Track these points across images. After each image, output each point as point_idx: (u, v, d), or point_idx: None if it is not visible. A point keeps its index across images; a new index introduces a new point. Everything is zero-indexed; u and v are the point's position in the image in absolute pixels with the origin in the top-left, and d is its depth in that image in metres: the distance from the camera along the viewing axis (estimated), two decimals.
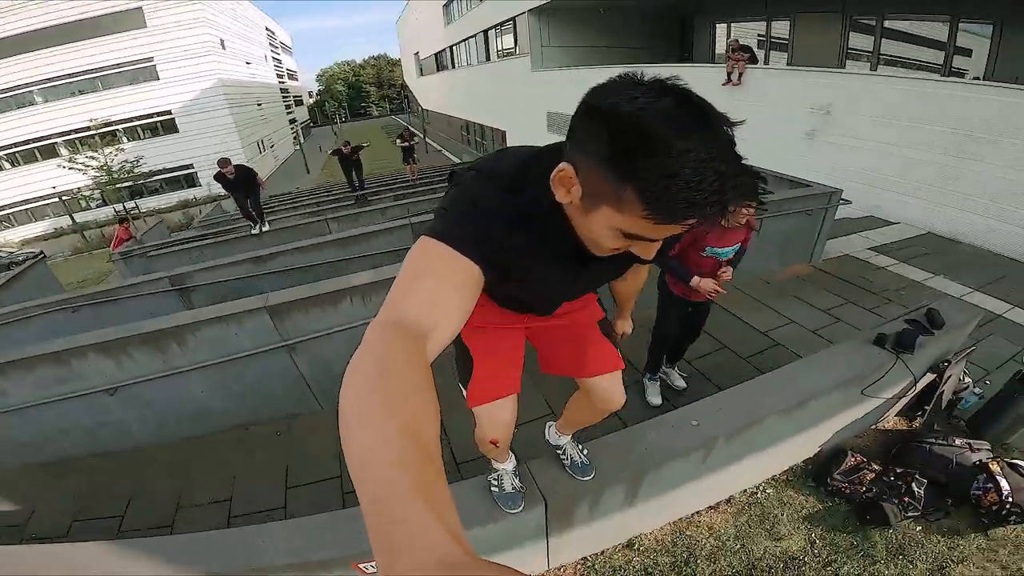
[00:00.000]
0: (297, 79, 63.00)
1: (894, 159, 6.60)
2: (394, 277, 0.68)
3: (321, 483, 2.97)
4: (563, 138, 0.71)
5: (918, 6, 7.95)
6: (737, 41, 8.53)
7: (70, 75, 25.95)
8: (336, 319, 3.19)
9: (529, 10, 14.86)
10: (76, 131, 25.64)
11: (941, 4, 7.70)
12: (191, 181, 29.75)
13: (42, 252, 21.61)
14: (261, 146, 35.18)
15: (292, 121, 51.12)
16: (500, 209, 0.76)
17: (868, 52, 9.20)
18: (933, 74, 7.83)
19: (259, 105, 37.35)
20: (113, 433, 3.27)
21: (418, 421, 0.42)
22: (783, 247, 4.87)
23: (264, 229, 7.55)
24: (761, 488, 2.64)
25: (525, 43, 16.00)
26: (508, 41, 18.26)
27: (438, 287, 0.65)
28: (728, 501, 2.58)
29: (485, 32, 20.13)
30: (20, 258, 21.00)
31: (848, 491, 2.51)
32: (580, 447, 2.01)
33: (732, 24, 12.66)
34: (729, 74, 8.09)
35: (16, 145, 26.54)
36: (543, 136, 16.02)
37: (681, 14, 14.85)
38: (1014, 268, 5.22)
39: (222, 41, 30.47)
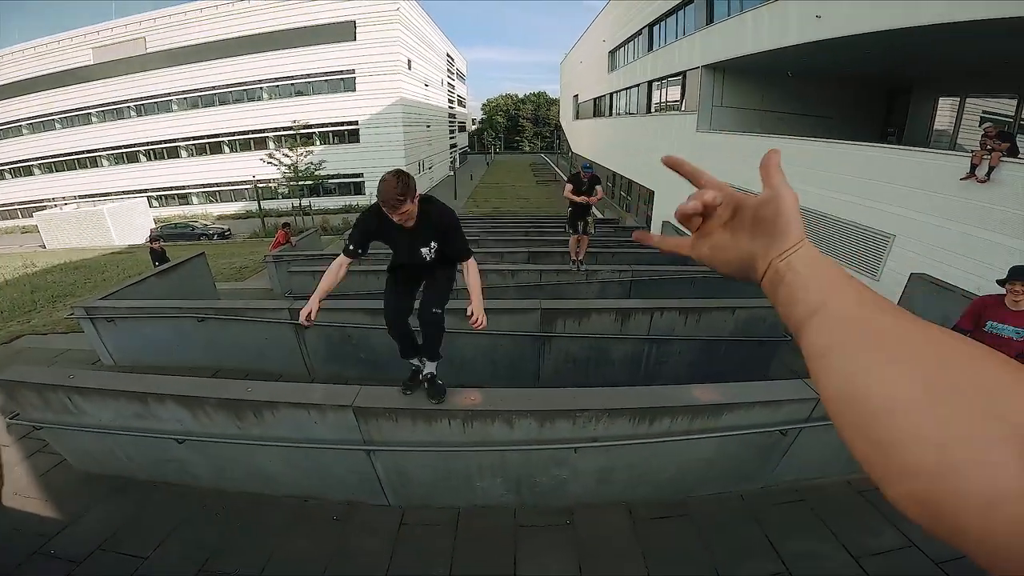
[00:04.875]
0: (465, 106, 67.75)
1: None
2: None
3: None
4: None
5: None
6: (994, 127, 6.55)
7: (291, 77, 31.01)
8: (427, 436, 2.75)
9: (704, 65, 13.86)
10: (283, 128, 30.05)
11: None
12: (358, 189, 33.20)
13: (228, 229, 25.44)
14: (421, 166, 38.03)
15: (452, 146, 54.44)
16: None
17: None
18: None
19: (427, 127, 40.65)
20: (175, 469, 3.16)
21: None
22: None
23: None
24: None
25: (693, 100, 14.75)
26: (674, 94, 17.04)
27: None
28: None
29: (649, 83, 19.32)
30: (211, 231, 25.09)
31: None
32: None
33: (967, 100, 10.38)
34: (975, 167, 6.32)
35: (238, 134, 32.30)
36: None
37: (891, 85, 12.80)
38: None
39: (409, 61, 33.76)
